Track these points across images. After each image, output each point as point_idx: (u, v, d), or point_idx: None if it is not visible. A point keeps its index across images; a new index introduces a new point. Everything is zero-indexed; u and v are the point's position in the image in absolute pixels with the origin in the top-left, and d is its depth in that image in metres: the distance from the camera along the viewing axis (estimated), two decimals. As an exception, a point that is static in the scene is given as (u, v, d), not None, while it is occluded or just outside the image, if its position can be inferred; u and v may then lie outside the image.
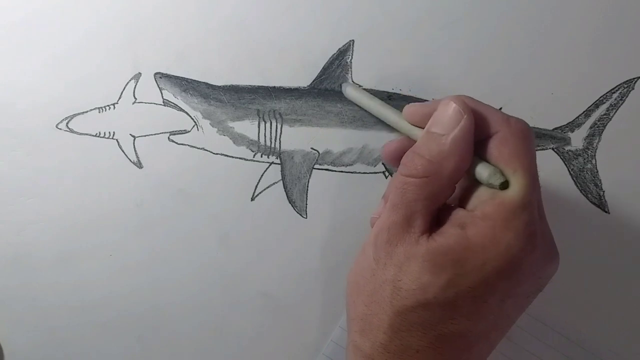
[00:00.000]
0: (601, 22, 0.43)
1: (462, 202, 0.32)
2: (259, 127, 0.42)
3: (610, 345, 0.42)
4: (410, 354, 0.30)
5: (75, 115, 0.42)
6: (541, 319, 0.42)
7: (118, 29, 0.42)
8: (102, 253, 0.42)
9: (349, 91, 0.41)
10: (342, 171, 0.43)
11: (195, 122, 0.42)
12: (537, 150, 0.43)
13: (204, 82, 0.42)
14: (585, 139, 0.43)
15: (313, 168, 0.43)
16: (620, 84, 0.43)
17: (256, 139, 0.43)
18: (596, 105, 0.43)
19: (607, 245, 0.42)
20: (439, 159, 0.30)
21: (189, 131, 0.42)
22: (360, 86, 0.42)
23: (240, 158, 0.43)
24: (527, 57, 0.43)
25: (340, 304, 0.42)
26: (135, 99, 0.42)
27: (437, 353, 0.30)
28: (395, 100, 0.43)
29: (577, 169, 0.43)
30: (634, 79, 0.43)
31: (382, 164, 0.43)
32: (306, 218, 0.42)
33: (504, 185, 0.30)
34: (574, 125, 0.43)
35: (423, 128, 0.33)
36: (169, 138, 0.42)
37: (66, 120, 0.42)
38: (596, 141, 0.43)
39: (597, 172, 0.43)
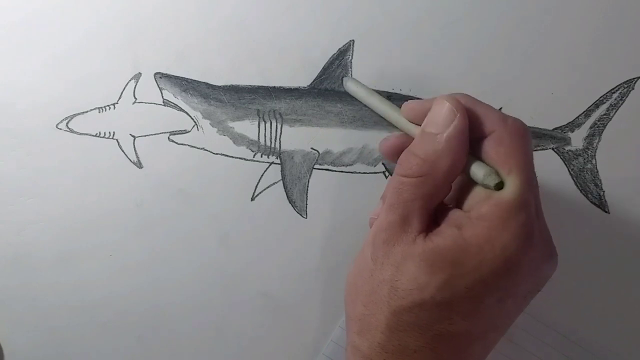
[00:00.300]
0: (601, 22, 0.43)
1: (459, 202, 0.32)
2: (259, 127, 0.42)
3: (610, 345, 0.42)
4: (408, 354, 0.30)
5: (75, 115, 0.42)
6: (541, 319, 0.42)
7: (118, 29, 0.42)
8: (102, 253, 0.42)
9: (350, 85, 0.41)
10: (342, 171, 0.43)
11: (195, 122, 0.42)
12: (537, 150, 0.43)
13: (204, 82, 0.42)
14: (585, 139, 0.43)
15: (313, 168, 0.43)
16: (620, 84, 0.43)
17: (256, 139, 0.43)
18: (596, 105, 0.43)
19: (607, 245, 0.42)
20: (434, 158, 0.30)
21: (189, 131, 0.42)
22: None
23: (240, 158, 0.43)
24: (527, 57, 0.43)
25: (340, 304, 0.42)
26: (135, 99, 0.42)
27: (434, 353, 0.30)
28: (395, 100, 0.42)
29: (577, 169, 0.43)
30: (634, 79, 0.43)
31: (382, 163, 0.43)
32: (306, 218, 0.42)
33: (499, 186, 0.30)
34: (574, 125, 0.43)
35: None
36: (169, 138, 0.42)
37: (66, 120, 0.42)
38: (596, 141, 0.43)
39: (597, 172, 0.43)
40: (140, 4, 0.42)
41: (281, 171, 0.43)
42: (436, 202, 0.31)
